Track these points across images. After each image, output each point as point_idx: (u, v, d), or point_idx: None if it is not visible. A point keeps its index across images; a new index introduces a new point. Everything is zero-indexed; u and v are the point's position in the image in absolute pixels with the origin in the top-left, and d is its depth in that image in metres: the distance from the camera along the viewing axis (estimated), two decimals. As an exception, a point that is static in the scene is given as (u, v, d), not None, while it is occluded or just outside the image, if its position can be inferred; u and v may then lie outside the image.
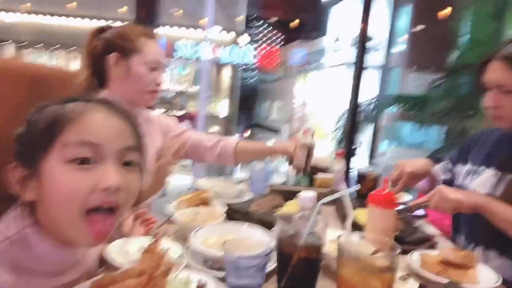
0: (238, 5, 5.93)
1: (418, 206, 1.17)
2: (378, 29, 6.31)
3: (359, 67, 3.29)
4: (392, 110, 4.71)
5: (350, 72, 3.63)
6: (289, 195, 1.41)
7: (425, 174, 1.35)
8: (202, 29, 5.17)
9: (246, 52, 5.72)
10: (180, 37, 5.72)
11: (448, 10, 4.75)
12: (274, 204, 1.24)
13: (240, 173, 1.84)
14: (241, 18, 5.99)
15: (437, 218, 1.52)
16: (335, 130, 4.86)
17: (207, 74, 5.53)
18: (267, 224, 1.00)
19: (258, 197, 1.31)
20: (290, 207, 1.23)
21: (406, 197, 1.48)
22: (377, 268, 0.63)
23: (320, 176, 1.56)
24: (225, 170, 3.96)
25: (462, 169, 1.32)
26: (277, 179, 1.62)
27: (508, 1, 3.54)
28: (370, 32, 3.27)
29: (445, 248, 0.93)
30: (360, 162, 4.36)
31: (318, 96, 8.61)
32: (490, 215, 1.00)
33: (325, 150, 4.91)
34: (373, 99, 4.53)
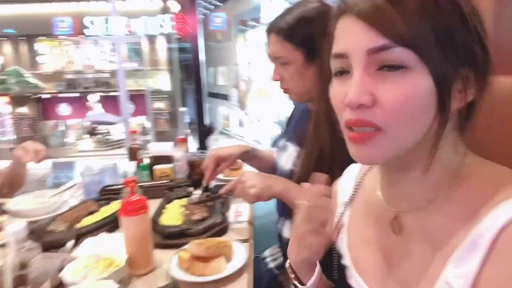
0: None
1: (226, 194, 1.19)
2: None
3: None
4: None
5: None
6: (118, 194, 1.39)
7: (237, 155, 1.33)
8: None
9: (164, 21, 5.26)
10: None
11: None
12: (82, 214, 1.22)
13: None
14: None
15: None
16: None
17: (140, 49, 5.53)
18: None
19: (72, 207, 1.28)
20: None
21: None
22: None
23: (158, 167, 1.56)
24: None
25: (281, 144, 1.35)
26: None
27: None
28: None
29: (192, 243, 0.91)
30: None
31: (261, 54, 8.30)
32: (286, 202, 1.06)
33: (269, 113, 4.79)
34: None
